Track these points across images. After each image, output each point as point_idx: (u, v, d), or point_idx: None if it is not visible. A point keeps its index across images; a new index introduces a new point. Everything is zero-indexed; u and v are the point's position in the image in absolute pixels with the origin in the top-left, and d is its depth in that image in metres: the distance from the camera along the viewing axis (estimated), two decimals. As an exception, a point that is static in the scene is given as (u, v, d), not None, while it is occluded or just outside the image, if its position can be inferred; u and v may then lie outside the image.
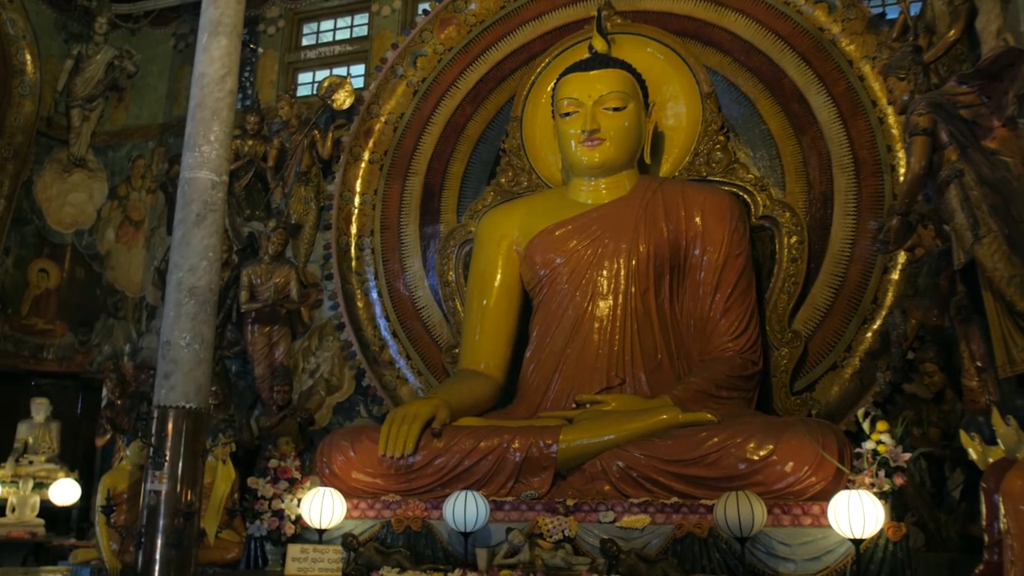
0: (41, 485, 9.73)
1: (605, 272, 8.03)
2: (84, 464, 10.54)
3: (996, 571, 4.85)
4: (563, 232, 8.28)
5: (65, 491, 9.55)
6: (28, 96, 11.48)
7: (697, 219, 8.06)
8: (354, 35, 11.30)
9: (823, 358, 8.03)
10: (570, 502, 6.71)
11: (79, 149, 11.97)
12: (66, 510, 9.90)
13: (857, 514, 5.73)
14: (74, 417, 11.21)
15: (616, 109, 8.23)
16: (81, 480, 9.85)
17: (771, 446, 6.38)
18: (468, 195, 9.56)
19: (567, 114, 8.33)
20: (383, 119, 9.95)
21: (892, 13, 8.36)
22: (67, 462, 10.27)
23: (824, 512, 5.99)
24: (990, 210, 5.25)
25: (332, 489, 7.05)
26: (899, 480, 6.06)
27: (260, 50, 11.37)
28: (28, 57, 11.54)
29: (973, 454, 5.45)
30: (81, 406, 11.39)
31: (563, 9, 9.59)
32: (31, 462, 9.98)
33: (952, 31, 6.59)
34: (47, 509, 9.67)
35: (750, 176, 8.50)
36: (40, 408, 10.37)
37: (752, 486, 6.22)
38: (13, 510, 9.53)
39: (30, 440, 10.21)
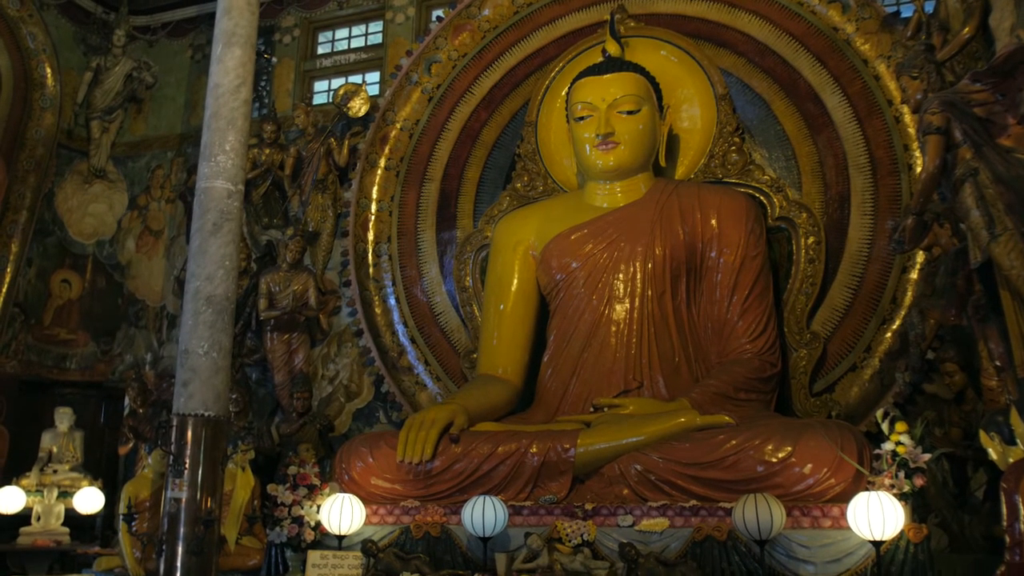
0: (65, 494, 9.82)
1: (621, 276, 8.02)
2: (108, 472, 10.62)
3: (1018, 572, 4.83)
4: (579, 236, 8.28)
5: (89, 499, 9.64)
6: (49, 109, 11.62)
7: (713, 221, 8.04)
8: (369, 43, 11.35)
9: (842, 359, 8.00)
10: (588, 506, 6.71)
11: (99, 160, 12.10)
12: (90, 518, 9.98)
13: (877, 516, 5.71)
14: (97, 426, 11.29)
15: (630, 112, 8.22)
16: (105, 488, 9.94)
17: (789, 448, 6.36)
18: (484, 200, 9.58)
19: (581, 118, 8.33)
20: (399, 126, 9.99)
21: (907, 12, 8.31)
22: (91, 471, 10.37)
23: (844, 514, 5.97)
24: (1006, 208, 5.21)
25: (351, 495, 7.07)
26: (919, 481, 6.03)
27: (274, 59, 11.44)
28: (48, 70, 11.67)
29: (993, 454, 5.43)
30: (104, 415, 11.47)
31: (576, 13, 9.59)
32: (55, 471, 10.09)
33: (966, 29, 6.54)
34: (72, 517, 9.75)
35: (766, 177, 8.47)
36: (63, 417, 10.47)
37: (771, 488, 6.21)
38: (38, 519, 9.63)
39: (54, 449, 10.31)
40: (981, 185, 5.32)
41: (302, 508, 7.36)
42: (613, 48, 8.66)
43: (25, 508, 9.57)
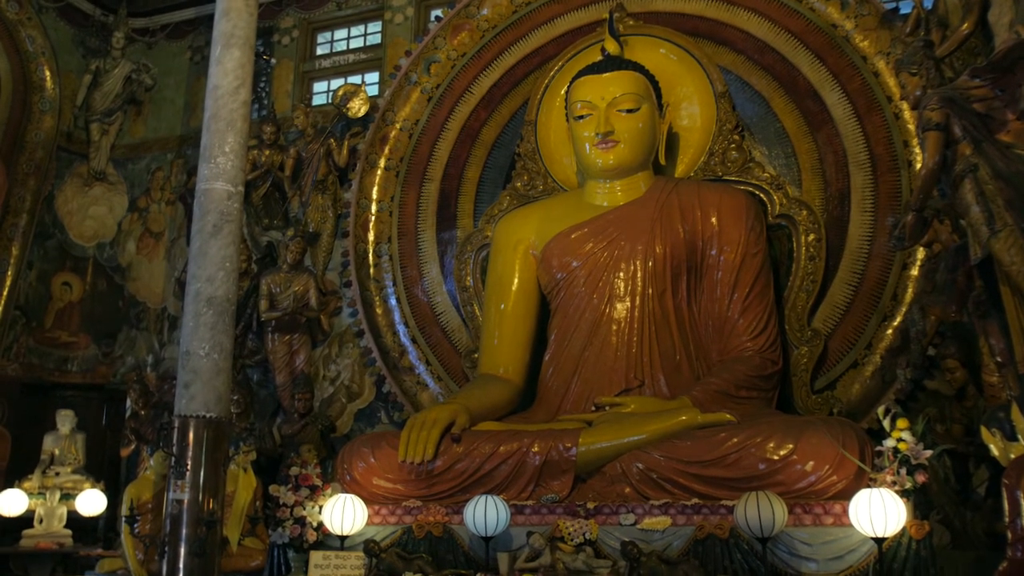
0: (68, 496, 9.81)
1: (622, 274, 8.02)
2: (110, 474, 10.61)
3: (1019, 568, 4.82)
4: (579, 235, 8.27)
5: (91, 502, 9.63)
6: (48, 112, 11.63)
7: (713, 219, 8.04)
8: (368, 43, 11.34)
9: (843, 356, 7.98)
10: (590, 505, 6.72)
11: (99, 163, 12.10)
12: (93, 520, 9.96)
13: (879, 512, 5.71)
14: (99, 428, 11.30)
15: (630, 111, 8.21)
16: (107, 490, 9.92)
17: (791, 445, 6.35)
18: (484, 200, 9.58)
19: (581, 117, 8.32)
20: (398, 126, 9.98)
21: (905, 8, 8.29)
22: (93, 473, 10.35)
23: (846, 511, 5.97)
24: (1006, 204, 5.19)
25: (353, 496, 7.08)
26: (921, 478, 6.03)
27: (273, 60, 11.44)
28: (47, 73, 11.69)
29: (994, 450, 5.43)
30: (106, 417, 11.48)
31: (575, 12, 9.58)
32: (57, 473, 10.08)
33: (965, 24, 6.52)
34: (74, 520, 9.74)
35: (766, 175, 8.46)
36: (65, 420, 10.46)
37: (773, 486, 6.21)
38: (41, 521, 9.62)
39: (56, 452, 10.30)
40: (981, 181, 5.30)
41: (304, 509, 7.38)
42: (612, 47, 8.65)
43: (27, 511, 9.56)
